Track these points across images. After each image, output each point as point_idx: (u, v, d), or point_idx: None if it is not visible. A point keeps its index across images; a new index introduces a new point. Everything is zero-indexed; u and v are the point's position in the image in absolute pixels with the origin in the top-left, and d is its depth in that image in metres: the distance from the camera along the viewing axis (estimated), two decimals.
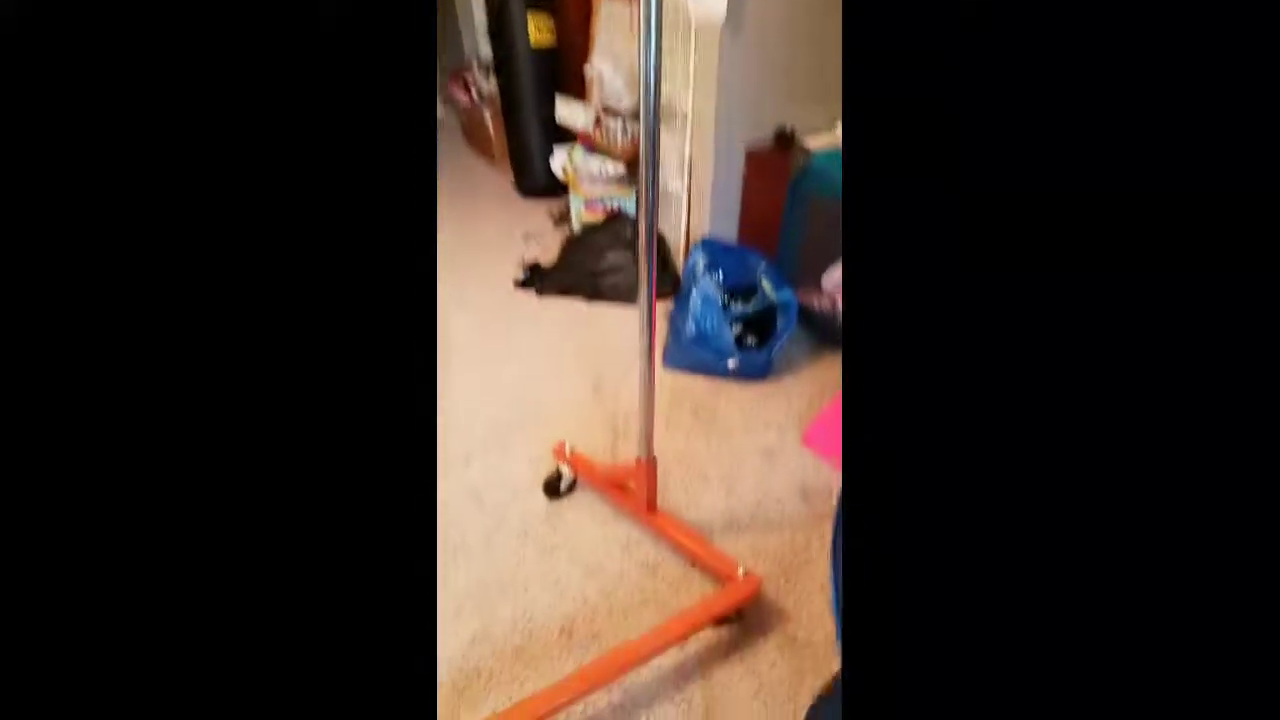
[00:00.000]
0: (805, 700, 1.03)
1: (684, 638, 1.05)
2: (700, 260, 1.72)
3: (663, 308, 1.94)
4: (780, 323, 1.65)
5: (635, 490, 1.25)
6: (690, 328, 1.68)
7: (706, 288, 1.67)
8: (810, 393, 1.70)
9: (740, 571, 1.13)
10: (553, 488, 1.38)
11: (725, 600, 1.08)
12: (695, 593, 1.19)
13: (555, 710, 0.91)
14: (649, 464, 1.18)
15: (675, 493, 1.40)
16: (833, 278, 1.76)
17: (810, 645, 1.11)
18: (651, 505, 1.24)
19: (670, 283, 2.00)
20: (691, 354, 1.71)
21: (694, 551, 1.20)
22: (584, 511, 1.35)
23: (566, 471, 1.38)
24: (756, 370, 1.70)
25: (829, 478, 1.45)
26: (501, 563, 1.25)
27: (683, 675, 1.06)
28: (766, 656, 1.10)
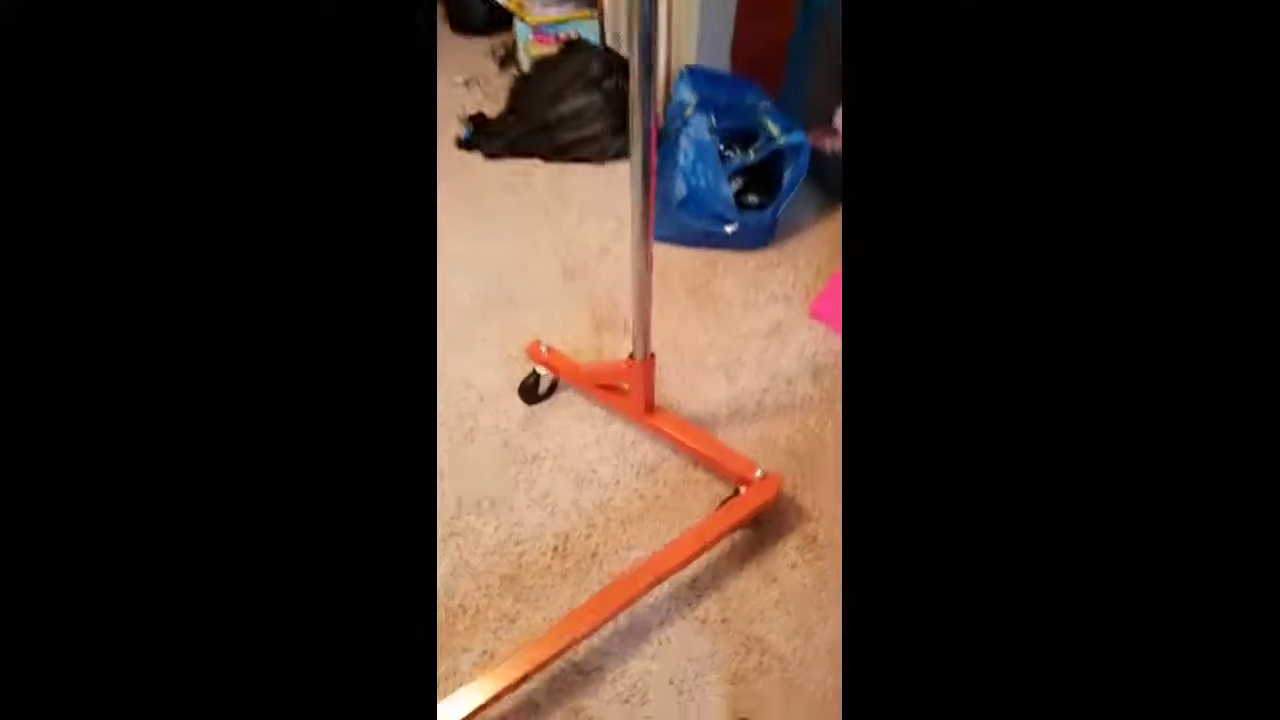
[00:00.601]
0: (831, 606, 0.94)
1: (698, 554, 0.92)
2: (688, 98, 1.36)
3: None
4: (789, 173, 1.36)
5: (630, 392, 1.05)
6: (679, 188, 1.39)
7: (699, 132, 1.34)
8: (819, 258, 1.48)
9: (757, 473, 0.98)
10: (530, 391, 1.18)
11: (744, 507, 0.95)
12: (702, 496, 1.06)
13: (558, 654, 0.79)
14: (646, 365, 0.98)
15: (671, 385, 1.23)
16: None
17: (832, 545, 1.01)
18: (649, 408, 1.06)
19: None
20: (681, 221, 1.43)
21: (703, 454, 1.06)
22: (569, 414, 1.18)
23: (545, 373, 1.17)
24: (758, 235, 1.45)
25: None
26: (477, 479, 1.09)
27: (695, 588, 0.96)
28: (786, 559, 0.99)
